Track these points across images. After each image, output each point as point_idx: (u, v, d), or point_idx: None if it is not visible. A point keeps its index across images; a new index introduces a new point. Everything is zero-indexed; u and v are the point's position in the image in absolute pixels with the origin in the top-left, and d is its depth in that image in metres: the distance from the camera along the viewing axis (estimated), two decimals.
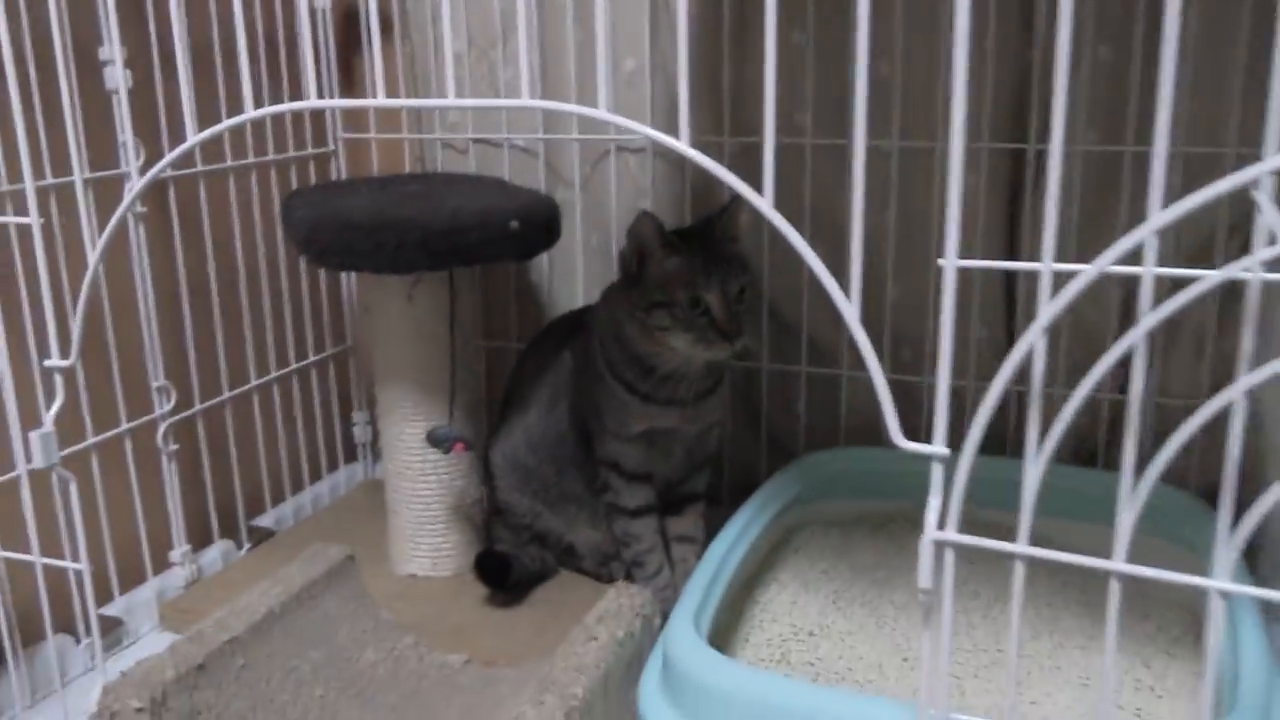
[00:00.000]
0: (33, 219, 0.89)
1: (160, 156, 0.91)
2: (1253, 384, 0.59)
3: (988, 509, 1.34)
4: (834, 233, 1.46)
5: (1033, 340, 0.65)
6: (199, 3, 1.40)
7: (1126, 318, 1.40)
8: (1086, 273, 0.62)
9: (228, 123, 0.79)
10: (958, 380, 1.48)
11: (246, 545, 1.56)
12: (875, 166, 1.43)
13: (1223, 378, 1.37)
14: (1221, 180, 0.59)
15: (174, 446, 1.40)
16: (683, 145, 0.73)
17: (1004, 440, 1.47)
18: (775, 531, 1.35)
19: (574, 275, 1.61)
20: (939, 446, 0.70)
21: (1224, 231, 1.32)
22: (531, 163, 1.60)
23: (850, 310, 0.70)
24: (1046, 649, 1.16)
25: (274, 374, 1.59)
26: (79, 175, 0.95)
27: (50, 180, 1.19)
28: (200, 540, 1.49)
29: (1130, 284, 1.38)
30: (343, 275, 1.72)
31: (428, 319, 1.35)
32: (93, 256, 0.84)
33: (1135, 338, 0.62)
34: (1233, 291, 1.34)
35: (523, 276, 1.65)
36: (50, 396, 0.91)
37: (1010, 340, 1.46)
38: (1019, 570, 0.68)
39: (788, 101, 1.46)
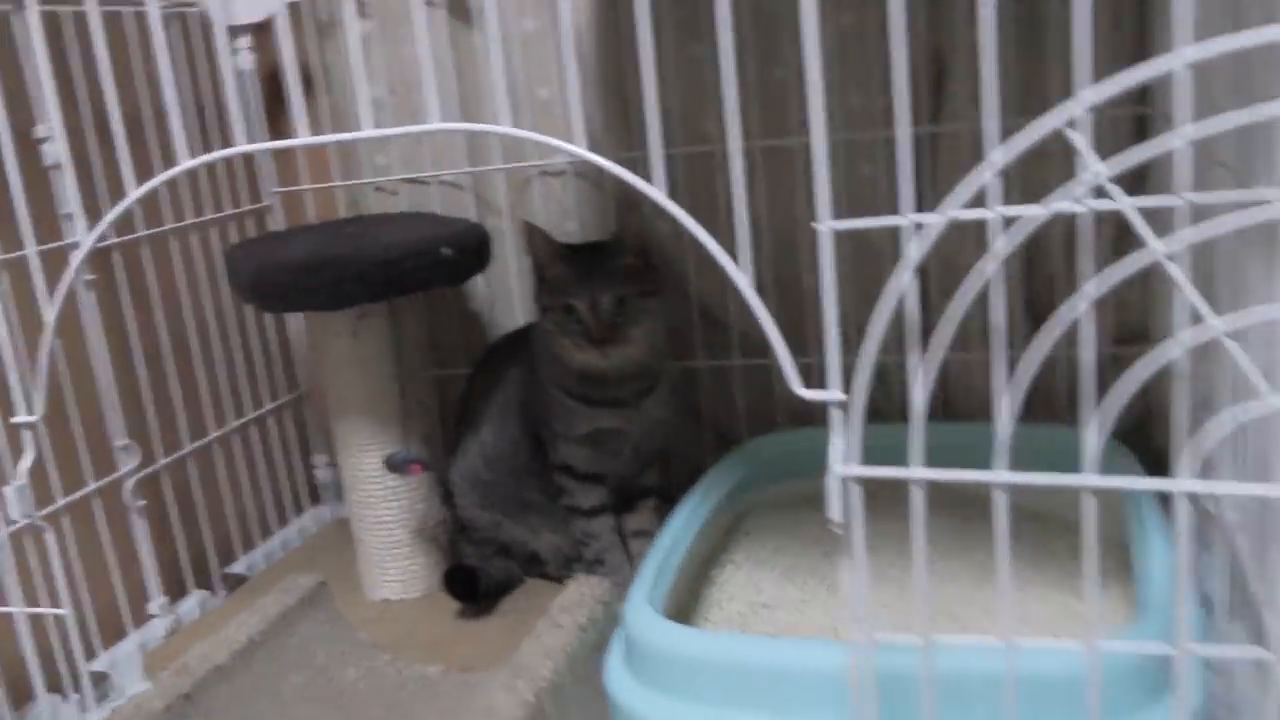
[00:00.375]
0: None
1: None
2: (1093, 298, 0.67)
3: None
4: (754, 234, 1.55)
5: (904, 281, 0.72)
6: (124, 77, 1.46)
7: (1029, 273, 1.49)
8: (940, 220, 0.70)
9: (165, 174, 0.86)
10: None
11: (223, 592, 1.60)
12: (781, 163, 1.52)
13: (1122, 326, 1.47)
14: (1043, 119, 0.67)
15: (141, 502, 1.44)
16: (578, 148, 0.80)
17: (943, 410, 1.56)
18: (726, 517, 1.42)
19: (511, 298, 1.68)
20: (835, 393, 0.77)
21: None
22: (461, 196, 1.68)
23: (743, 278, 0.77)
24: (972, 592, 1.24)
25: (232, 425, 1.65)
26: (32, 249, 1.02)
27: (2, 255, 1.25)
28: (176, 591, 1.54)
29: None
30: (290, 323, 1.78)
31: (374, 353, 1.41)
32: (50, 313, 0.90)
33: (990, 269, 0.70)
34: (1124, 238, 1.44)
35: (464, 305, 1.72)
36: (19, 452, 0.96)
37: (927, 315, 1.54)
38: (917, 494, 0.75)
39: (696, 113, 1.54)
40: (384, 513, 1.47)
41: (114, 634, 1.42)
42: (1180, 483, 0.66)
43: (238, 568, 1.65)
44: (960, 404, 1.57)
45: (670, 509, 1.40)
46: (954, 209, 0.71)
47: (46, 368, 0.91)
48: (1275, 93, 0.79)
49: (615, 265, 1.31)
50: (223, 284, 1.62)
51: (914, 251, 0.73)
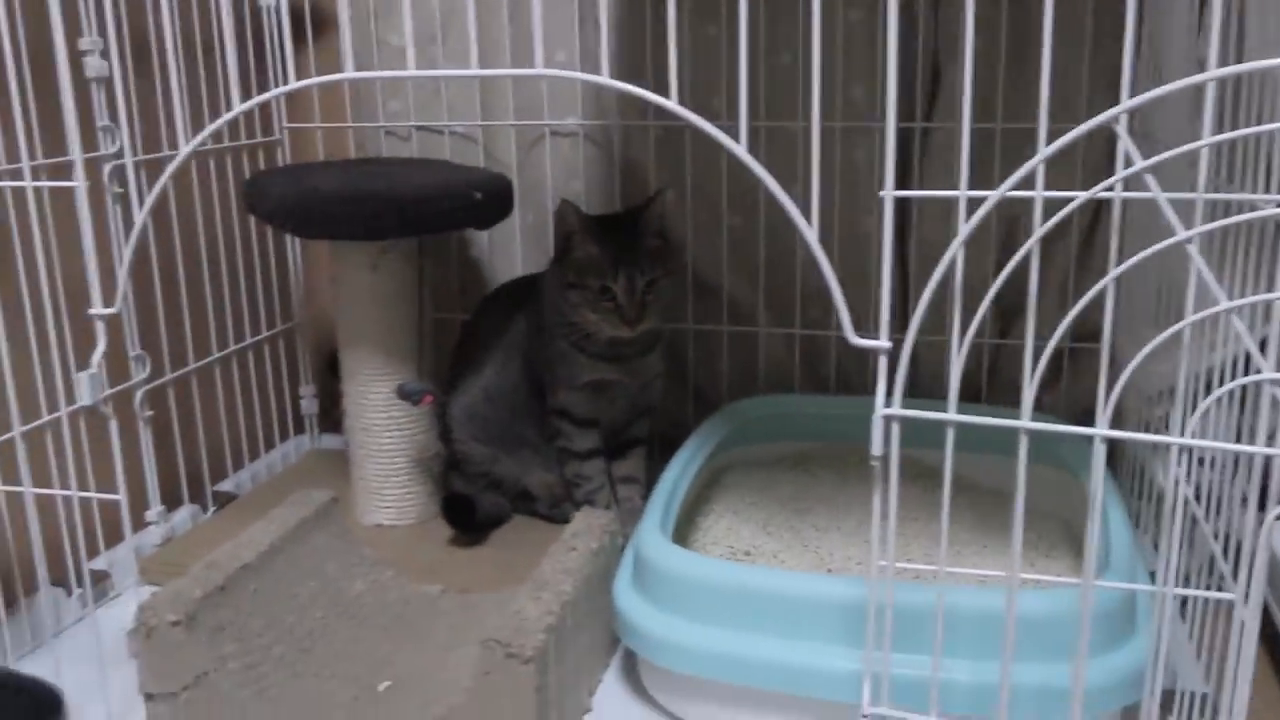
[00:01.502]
0: (79, 182, 1.00)
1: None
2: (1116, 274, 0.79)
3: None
4: (748, 203, 1.65)
5: (955, 250, 0.83)
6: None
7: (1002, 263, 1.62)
8: (993, 196, 0.81)
9: (231, 115, 0.92)
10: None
11: (212, 508, 1.65)
12: (785, 146, 1.62)
13: (1081, 324, 1.60)
14: (1092, 120, 0.78)
15: (149, 412, 1.49)
16: (672, 104, 0.89)
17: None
18: (707, 471, 1.52)
19: (512, 251, 1.76)
20: (882, 341, 0.87)
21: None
22: (470, 148, 1.75)
23: (811, 233, 0.87)
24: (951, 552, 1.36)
25: (232, 347, 1.70)
26: (130, 157, 1.06)
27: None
28: (170, 502, 1.58)
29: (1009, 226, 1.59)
30: (290, 257, 1.83)
31: (392, 287, 1.48)
32: (140, 215, 0.96)
33: (1030, 245, 0.81)
34: (1088, 244, 1.58)
35: (464, 253, 1.79)
36: (93, 343, 1.02)
37: (905, 292, 1.67)
38: (950, 436, 0.86)
39: (706, 90, 1.64)
40: (386, 441, 1.54)
41: (113, 536, 1.46)
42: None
43: (226, 485, 1.70)
44: (924, 386, 1.70)
45: (654, 458, 1.51)
46: (1008, 187, 0.81)
47: (133, 254, 0.96)
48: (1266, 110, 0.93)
49: (644, 247, 1.40)
50: (226, 210, 1.67)
51: (964, 225, 0.83)
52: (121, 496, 1.07)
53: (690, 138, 1.65)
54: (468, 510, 1.49)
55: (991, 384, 1.67)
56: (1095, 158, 1.53)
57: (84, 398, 1.02)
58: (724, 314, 1.72)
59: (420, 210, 1.33)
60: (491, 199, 1.40)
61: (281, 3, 1.69)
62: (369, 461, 1.55)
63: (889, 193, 0.87)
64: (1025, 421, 0.83)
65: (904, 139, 1.61)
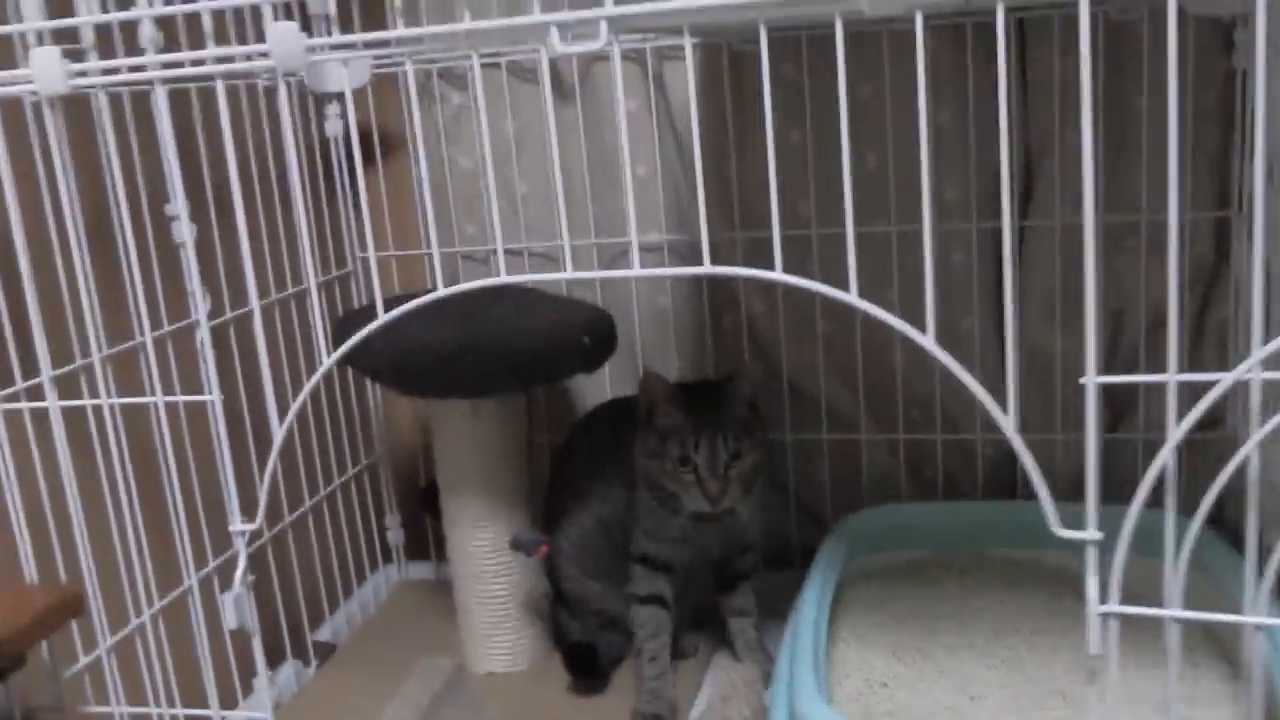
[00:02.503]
0: (212, 396, 0.96)
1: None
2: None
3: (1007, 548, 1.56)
4: (841, 308, 1.61)
5: (1164, 458, 0.78)
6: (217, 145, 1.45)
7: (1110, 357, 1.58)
8: (1223, 381, 0.76)
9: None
10: (968, 435, 1.64)
11: (314, 661, 1.60)
12: (876, 248, 1.58)
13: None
14: None
15: (252, 577, 1.44)
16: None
17: (1014, 488, 1.64)
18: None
19: (600, 372, 1.71)
20: (1091, 533, 0.82)
21: (1190, 281, 1.51)
22: (550, 268, 1.70)
23: (1008, 422, 0.82)
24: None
25: (323, 492, 1.65)
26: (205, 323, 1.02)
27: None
28: (269, 657, 1.53)
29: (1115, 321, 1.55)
30: (368, 388, 1.79)
31: (494, 431, 1.44)
32: (286, 419, 0.92)
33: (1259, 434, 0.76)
34: (1198, 334, 1.54)
35: None
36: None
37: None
38: (1174, 632, 0.81)
39: (790, 193, 1.60)
40: (495, 587, 1.49)
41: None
42: None
43: (324, 633, 1.65)
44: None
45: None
46: (1240, 373, 0.77)
47: (270, 482, 0.92)
48: None
49: (732, 416, 1.33)
50: (309, 354, 1.63)
51: (1186, 418, 0.78)
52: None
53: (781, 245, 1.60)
54: (590, 658, 1.44)
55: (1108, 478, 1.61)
56: (1203, 243, 1.49)
57: (231, 620, 0.97)
58: (823, 422, 1.68)
59: (531, 365, 1.29)
60: (599, 342, 1.36)
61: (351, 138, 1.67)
62: (478, 608, 1.50)
63: (1091, 379, 0.82)
64: (1251, 617, 0.78)
65: (996, 239, 1.57)
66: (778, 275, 0.83)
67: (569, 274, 0.90)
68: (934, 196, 1.52)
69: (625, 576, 1.47)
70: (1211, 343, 1.52)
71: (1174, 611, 0.82)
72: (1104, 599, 0.82)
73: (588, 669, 1.44)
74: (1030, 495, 1.62)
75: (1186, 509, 1.53)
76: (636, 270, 0.89)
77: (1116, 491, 1.59)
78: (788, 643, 1.35)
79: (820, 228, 1.60)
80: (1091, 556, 0.83)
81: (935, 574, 1.56)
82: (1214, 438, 1.54)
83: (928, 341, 0.80)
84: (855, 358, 1.63)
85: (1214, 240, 1.49)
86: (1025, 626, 1.42)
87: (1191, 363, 1.53)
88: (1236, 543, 1.44)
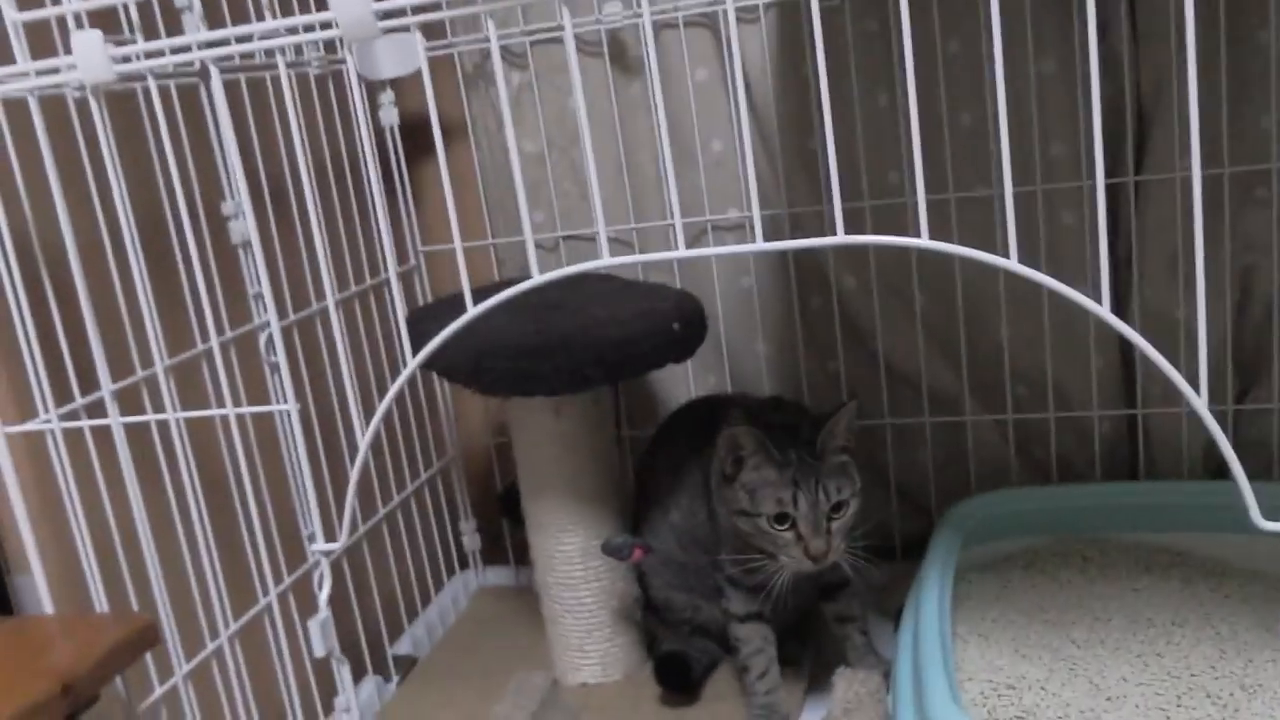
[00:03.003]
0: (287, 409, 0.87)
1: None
2: None
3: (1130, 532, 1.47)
4: (941, 282, 1.50)
5: None
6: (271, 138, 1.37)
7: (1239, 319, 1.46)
8: None
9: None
10: (1083, 412, 1.52)
11: (395, 676, 1.53)
12: (978, 215, 1.47)
13: None
14: None
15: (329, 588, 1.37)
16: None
17: (1135, 468, 1.52)
18: None
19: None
20: None
21: None
22: (623, 252, 1.61)
23: (1199, 400, 0.71)
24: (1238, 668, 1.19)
25: (396, 499, 1.57)
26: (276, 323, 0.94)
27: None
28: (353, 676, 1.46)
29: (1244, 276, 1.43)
30: (438, 387, 1.70)
31: (578, 430, 1.34)
32: (370, 429, 0.83)
33: None
34: None
35: None
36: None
37: (1125, 364, 1.50)
38: None
39: (881, 162, 1.49)
40: (585, 595, 1.40)
41: None
42: None
43: (404, 645, 1.58)
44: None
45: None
46: None
47: (355, 500, 0.84)
48: None
49: (832, 465, 1.19)
50: (375, 354, 1.55)
51: None
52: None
53: (870, 216, 1.49)
54: (683, 670, 1.35)
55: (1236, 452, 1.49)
56: None
57: (318, 648, 0.89)
58: (925, 404, 1.56)
59: (620, 356, 1.19)
60: (689, 329, 1.26)
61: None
62: (568, 617, 1.42)
63: None
64: None
65: (1112, 196, 1.45)
66: (921, 242, 0.72)
67: (680, 253, 0.79)
68: (1040, 154, 1.44)
69: (713, 591, 1.37)
70: None
71: None
72: None
73: (680, 680, 1.35)
74: (1150, 474, 1.53)
75: None
76: (760, 245, 0.78)
77: (1246, 467, 1.49)
78: (907, 645, 1.25)
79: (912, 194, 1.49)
80: None
81: (1055, 563, 1.45)
82: None
83: (1104, 312, 0.69)
84: (957, 334, 1.52)
85: None
86: (1160, 618, 1.31)
87: None
88: None
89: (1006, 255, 0.73)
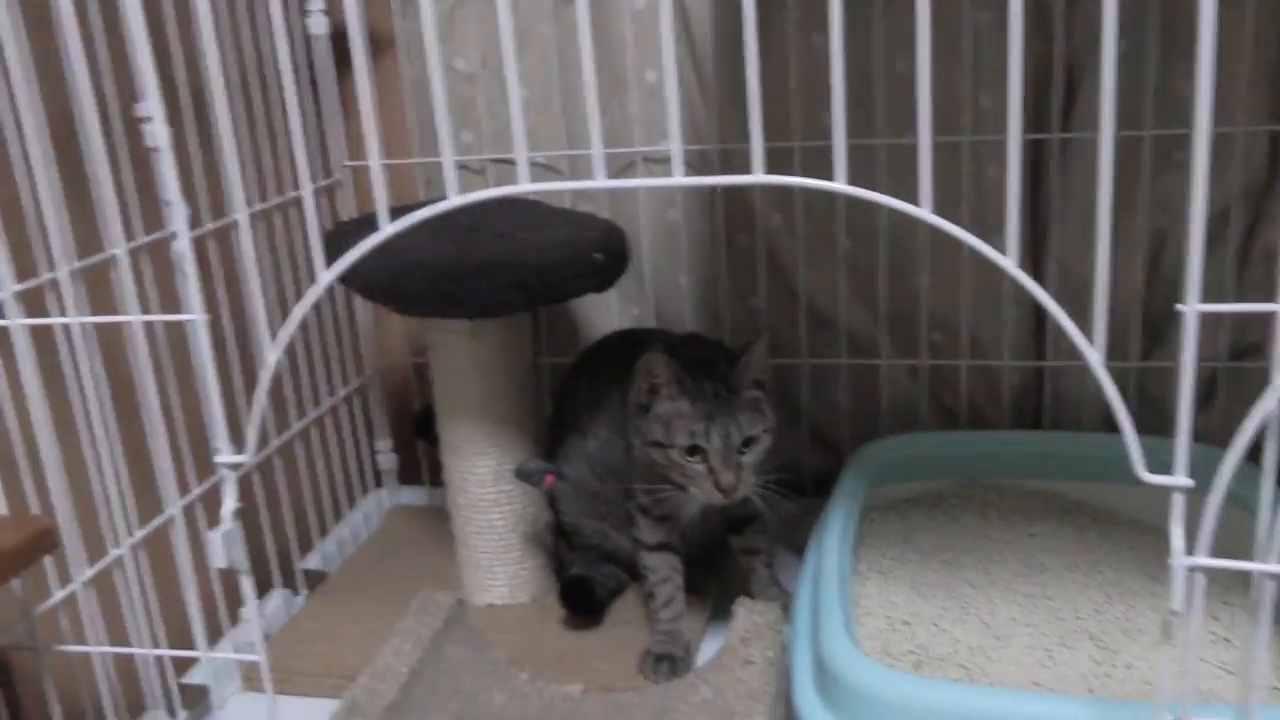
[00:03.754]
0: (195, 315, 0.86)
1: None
2: None
3: (1031, 479, 1.52)
4: (865, 226, 1.51)
5: (1270, 407, 0.69)
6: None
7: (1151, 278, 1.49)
8: None
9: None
10: (995, 361, 1.55)
11: (304, 590, 1.53)
12: (908, 161, 1.48)
13: (1239, 342, 1.48)
14: None
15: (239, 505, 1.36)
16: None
17: (1040, 418, 1.56)
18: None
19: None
20: (1181, 479, 0.74)
21: (1238, 199, 1.42)
22: (553, 179, 1.60)
23: (1094, 355, 0.73)
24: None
25: (311, 416, 1.56)
26: (187, 233, 0.92)
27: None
28: (259, 589, 1.46)
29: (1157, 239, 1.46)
30: (358, 306, 1.69)
31: (495, 354, 1.34)
32: (278, 342, 0.82)
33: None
34: (1246, 257, 1.45)
35: None
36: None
37: (1038, 317, 1.53)
38: (1267, 587, 0.74)
39: (812, 103, 1.49)
40: (495, 517, 1.41)
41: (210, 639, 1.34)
42: None
43: (313, 560, 1.58)
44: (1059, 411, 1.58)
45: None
46: None
47: (260, 415, 0.83)
48: None
49: (742, 402, 1.20)
50: (294, 269, 1.52)
51: None
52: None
53: (801, 158, 1.50)
54: (587, 595, 1.37)
55: (1139, 407, 1.54)
56: (1257, 160, 1.39)
57: (219, 559, 0.89)
58: (842, 345, 1.59)
59: (540, 283, 1.19)
60: (612, 259, 1.26)
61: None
62: (477, 539, 1.43)
63: (1190, 307, 0.73)
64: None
65: (1036, 151, 1.47)
66: (840, 186, 0.73)
67: (602, 183, 0.79)
68: (970, 105, 1.45)
69: (624, 520, 1.39)
70: (1258, 267, 1.43)
71: (1265, 566, 0.74)
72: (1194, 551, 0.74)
73: (583, 604, 1.37)
74: (1055, 425, 1.57)
75: (1222, 437, 1.48)
76: (680, 179, 0.78)
77: (1148, 422, 1.54)
78: (808, 578, 1.28)
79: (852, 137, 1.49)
80: (1178, 505, 0.75)
81: (957, 506, 1.49)
82: (1254, 366, 1.46)
83: (1009, 264, 0.70)
84: (877, 278, 1.54)
85: (1269, 157, 1.39)
86: (1052, 563, 1.36)
87: (1236, 290, 1.44)
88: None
89: (922, 205, 0.74)
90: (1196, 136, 0.67)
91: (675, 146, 0.79)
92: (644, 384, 1.21)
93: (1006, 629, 1.23)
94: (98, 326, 1.10)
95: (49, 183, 1.03)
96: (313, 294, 0.81)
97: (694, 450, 1.18)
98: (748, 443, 1.20)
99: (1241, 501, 1.27)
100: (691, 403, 1.18)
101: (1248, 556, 0.73)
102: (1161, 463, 0.75)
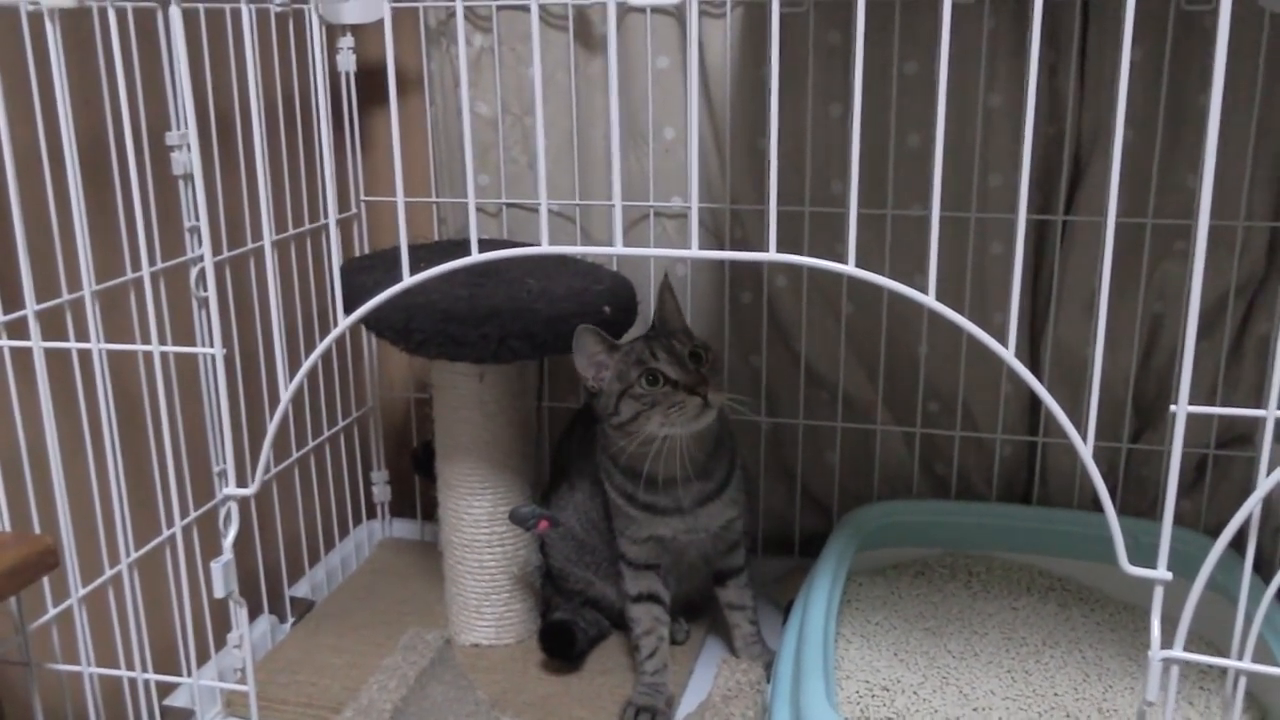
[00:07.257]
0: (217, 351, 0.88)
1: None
2: None
3: (1018, 553, 1.55)
4: (868, 294, 1.54)
5: (1250, 507, 0.72)
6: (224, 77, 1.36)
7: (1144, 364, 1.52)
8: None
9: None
10: (988, 434, 1.58)
11: (290, 618, 1.54)
12: (914, 233, 1.51)
13: (1225, 430, 1.50)
14: None
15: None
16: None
17: (1029, 493, 1.59)
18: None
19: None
20: (1162, 572, 0.76)
21: (1235, 291, 1.44)
22: (566, 227, 1.62)
23: (1085, 448, 0.76)
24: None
25: (310, 445, 1.58)
26: (210, 257, 0.94)
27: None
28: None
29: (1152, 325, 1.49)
30: (364, 338, 1.71)
31: (499, 399, 1.36)
32: (290, 384, 0.84)
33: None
34: (1239, 348, 1.47)
35: None
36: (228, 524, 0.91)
37: (1033, 393, 1.56)
38: (1240, 683, 0.76)
39: (825, 170, 1.52)
40: (487, 558, 1.42)
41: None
42: None
43: (302, 588, 1.59)
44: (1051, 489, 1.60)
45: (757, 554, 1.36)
46: None
47: (274, 434, 0.85)
48: None
49: (670, 327, 1.29)
50: (306, 298, 1.55)
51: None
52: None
53: (810, 222, 1.53)
54: (567, 640, 1.38)
55: (1126, 488, 1.56)
56: (1255, 253, 1.42)
57: (219, 589, 0.90)
58: (839, 408, 1.61)
59: (548, 333, 1.21)
60: (619, 313, 1.28)
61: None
62: (468, 578, 1.44)
63: (1182, 408, 0.75)
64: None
65: (1040, 232, 1.50)
66: (849, 268, 0.76)
67: (619, 250, 0.81)
68: (978, 183, 1.48)
69: (609, 571, 1.41)
70: (1251, 360, 1.46)
71: (1239, 663, 0.76)
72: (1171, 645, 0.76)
73: (562, 649, 1.38)
74: (1045, 500, 1.59)
75: (1209, 521, 1.50)
76: (695, 251, 0.80)
77: (1134, 503, 1.56)
78: (791, 639, 1.30)
79: (861, 208, 1.52)
80: (1158, 597, 0.77)
81: (943, 575, 1.51)
82: (1242, 455, 1.49)
83: (1007, 354, 0.73)
84: (878, 345, 1.57)
85: (1266, 251, 1.42)
86: (1033, 638, 1.38)
87: (1227, 380, 1.47)
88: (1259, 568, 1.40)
89: (927, 290, 0.76)
90: (1197, 229, 0.70)
91: (693, 215, 0.82)
92: (586, 365, 1.25)
93: (984, 701, 1.25)
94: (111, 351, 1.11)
95: (79, 204, 1.05)
96: (329, 339, 0.83)
97: (652, 376, 1.21)
98: (695, 357, 1.23)
99: (1223, 589, 1.30)
100: (628, 348, 1.24)
101: (1227, 642, 0.75)
102: (1147, 545, 0.77)
